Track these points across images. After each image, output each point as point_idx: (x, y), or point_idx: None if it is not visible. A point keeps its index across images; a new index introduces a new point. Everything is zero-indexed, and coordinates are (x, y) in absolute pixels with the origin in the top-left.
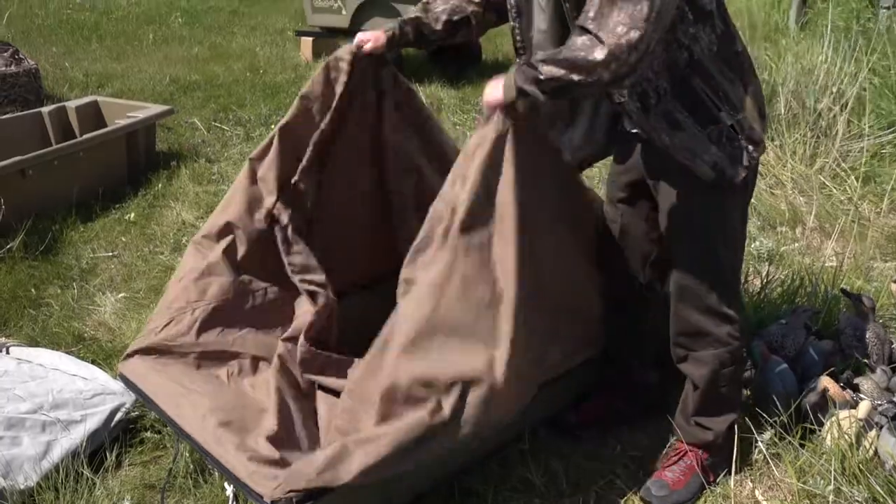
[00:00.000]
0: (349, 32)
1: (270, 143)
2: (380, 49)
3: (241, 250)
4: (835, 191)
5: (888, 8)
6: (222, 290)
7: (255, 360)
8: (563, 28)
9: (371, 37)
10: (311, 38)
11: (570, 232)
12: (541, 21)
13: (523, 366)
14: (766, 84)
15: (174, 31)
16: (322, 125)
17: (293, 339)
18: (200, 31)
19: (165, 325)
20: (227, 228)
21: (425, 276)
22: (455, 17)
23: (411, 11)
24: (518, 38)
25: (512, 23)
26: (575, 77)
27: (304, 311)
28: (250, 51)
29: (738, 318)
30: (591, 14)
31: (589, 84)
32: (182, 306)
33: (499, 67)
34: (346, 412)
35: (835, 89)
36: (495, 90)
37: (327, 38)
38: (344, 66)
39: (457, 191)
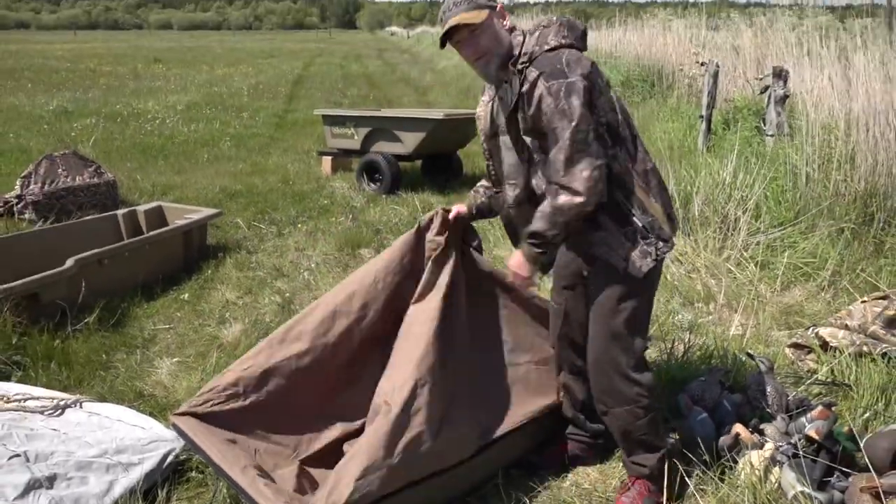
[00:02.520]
0: (360, 153)
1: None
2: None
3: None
4: (738, 275)
5: (771, 135)
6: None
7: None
8: (526, 162)
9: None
10: (330, 157)
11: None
12: (509, 157)
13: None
14: (683, 193)
15: (224, 152)
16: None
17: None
18: (244, 152)
19: (219, 402)
20: (297, 356)
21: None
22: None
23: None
24: (492, 172)
25: (487, 161)
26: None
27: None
28: (283, 167)
29: (646, 380)
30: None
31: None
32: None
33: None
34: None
35: (738, 197)
36: (521, 268)
37: (343, 158)
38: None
39: None
